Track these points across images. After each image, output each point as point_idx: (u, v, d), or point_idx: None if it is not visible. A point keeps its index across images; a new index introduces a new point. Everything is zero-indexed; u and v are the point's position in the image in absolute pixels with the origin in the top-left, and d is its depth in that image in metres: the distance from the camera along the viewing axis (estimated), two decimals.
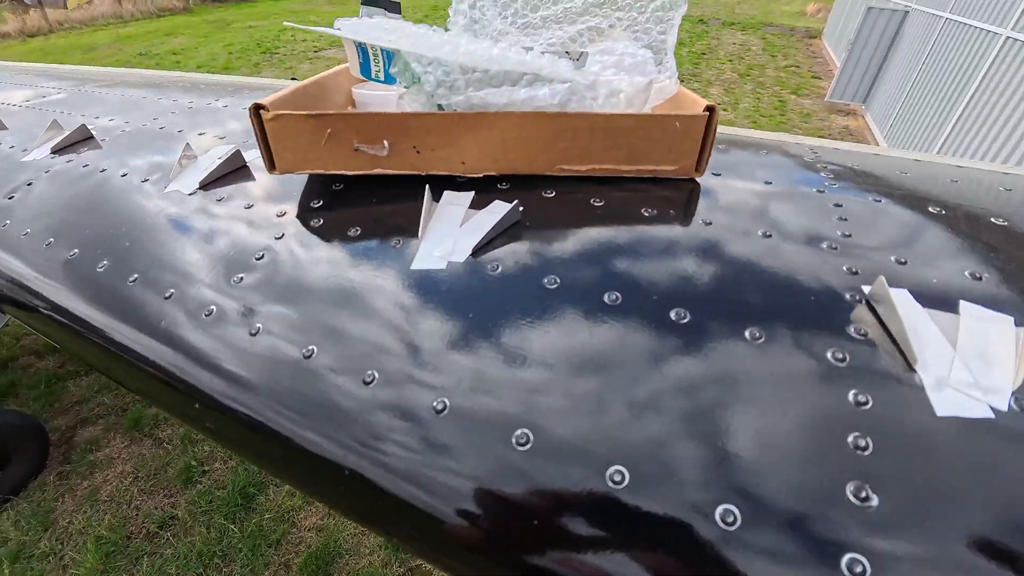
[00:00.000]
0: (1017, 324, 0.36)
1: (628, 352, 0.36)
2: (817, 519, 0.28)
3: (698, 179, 0.54)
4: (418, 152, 0.52)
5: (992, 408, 0.32)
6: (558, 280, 0.41)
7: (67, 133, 0.84)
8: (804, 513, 0.28)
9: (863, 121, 7.12)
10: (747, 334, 0.36)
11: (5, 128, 1.02)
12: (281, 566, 2.43)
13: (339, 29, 0.56)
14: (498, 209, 0.47)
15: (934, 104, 5.03)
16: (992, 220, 0.49)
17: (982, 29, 4.20)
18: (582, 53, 0.58)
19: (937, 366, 0.34)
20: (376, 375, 0.38)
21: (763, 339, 0.36)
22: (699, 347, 0.36)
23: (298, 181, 0.59)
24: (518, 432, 0.33)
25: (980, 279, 0.41)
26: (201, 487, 2.79)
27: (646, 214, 0.48)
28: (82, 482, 2.84)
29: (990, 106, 4.03)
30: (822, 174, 0.57)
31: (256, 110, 0.51)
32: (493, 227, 0.45)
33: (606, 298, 0.40)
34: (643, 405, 0.33)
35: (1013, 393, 0.33)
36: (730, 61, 9.67)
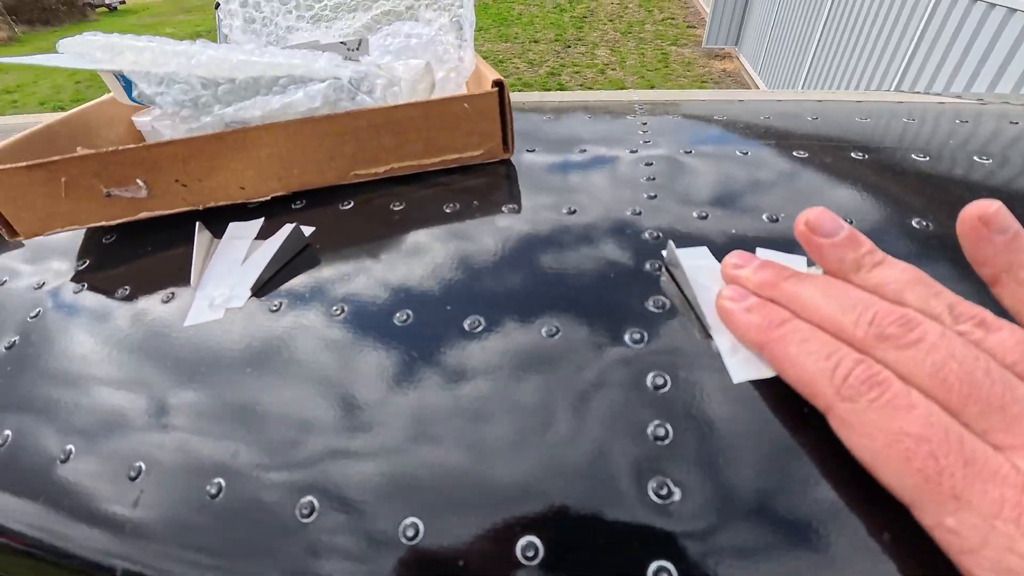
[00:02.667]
0: (809, 264, 0.36)
1: (429, 379, 0.32)
2: (621, 529, 0.26)
3: (511, 159, 0.51)
4: (184, 185, 0.44)
5: None
6: (344, 308, 0.37)
7: None
8: (608, 530, 0.26)
9: (738, 63, 7.59)
10: (543, 331, 0.33)
11: None
12: None
13: (57, 55, 0.46)
14: (281, 235, 0.41)
15: (794, 37, 5.42)
16: (794, 153, 0.49)
17: None
18: (360, 41, 0.52)
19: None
20: (142, 468, 0.31)
21: (559, 333, 0.33)
22: (499, 355, 0.33)
23: (65, 240, 0.50)
24: (302, 501, 0.29)
25: (777, 220, 0.41)
26: None
27: (448, 210, 0.44)
28: None
29: (839, 34, 4.39)
30: (638, 132, 0.56)
31: None
32: (274, 258, 0.39)
33: (396, 319, 0.35)
34: (440, 437, 0.29)
35: None
36: (611, 21, 9.90)
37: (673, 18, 10.20)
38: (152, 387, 0.35)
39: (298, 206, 0.47)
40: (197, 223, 0.43)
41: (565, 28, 9.42)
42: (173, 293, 0.41)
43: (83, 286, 0.44)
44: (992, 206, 0.24)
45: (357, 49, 0.52)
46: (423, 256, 0.40)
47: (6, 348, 0.41)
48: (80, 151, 0.43)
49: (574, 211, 0.43)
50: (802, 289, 0.29)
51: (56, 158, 0.42)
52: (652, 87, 6.89)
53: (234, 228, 0.45)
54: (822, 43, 4.68)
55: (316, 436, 0.31)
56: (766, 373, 0.30)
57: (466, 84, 0.56)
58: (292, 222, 0.45)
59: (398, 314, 0.35)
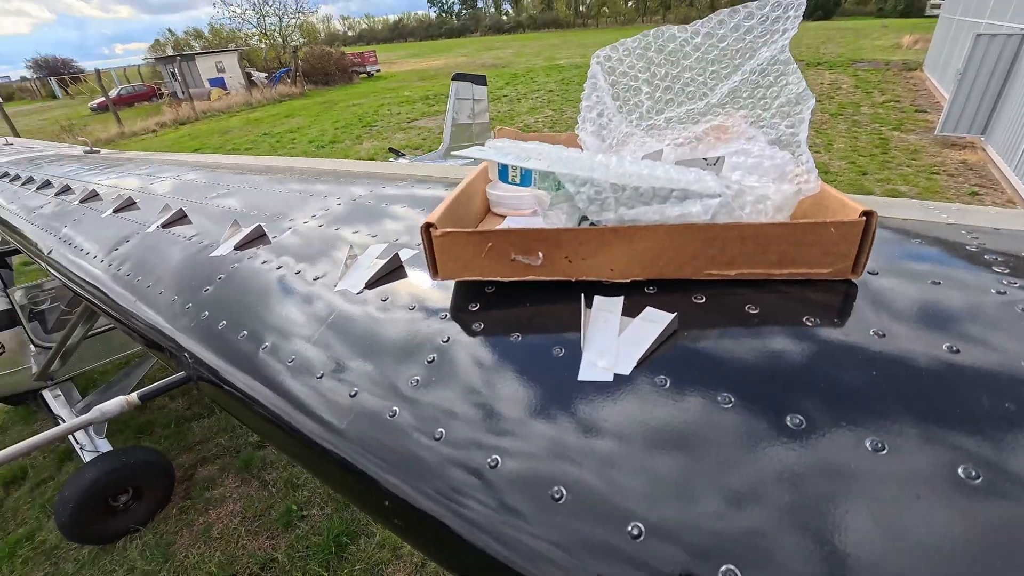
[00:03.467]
0: None
1: (824, 486, 0.35)
2: None
3: (854, 280, 0.53)
4: (569, 261, 0.56)
5: None
6: (732, 399, 0.42)
7: (246, 232, 1.00)
8: None
9: (984, 154, 6.44)
10: (960, 472, 0.34)
11: (191, 223, 1.23)
12: None
13: (490, 151, 0.63)
14: (657, 319, 0.49)
15: None
16: None
17: None
18: (719, 159, 0.60)
19: None
20: (564, 492, 0.39)
21: (980, 479, 0.33)
22: (909, 487, 0.34)
23: (450, 283, 0.66)
24: (723, 570, 0.33)
25: None
26: (299, 532, 2.94)
27: (809, 323, 0.48)
28: (198, 518, 3.11)
29: None
30: (995, 269, 0.53)
31: (427, 228, 0.58)
32: (656, 338, 0.47)
33: (789, 421, 0.39)
34: (851, 557, 0.32)
35: None
36: (819, 102, 9.28)
37: (898, 101, 9.17)
38: (562, 424, 0.44)
39: (650, 291, 0.55)
40: (583, 295, 0.53)
41: None
42: (561, 349, 0.51)
43: (481, 324, 0.57)
44: None
45: (715, 165, 0.60)
46: (801, 363, 0.43)
47: (428, 362, 0.55)
48: (507, 225, 0.57)
49: (956, 351, 0.43)
50: None
51: (491, 230, 0.56)
52: (864, 174, 6.20)
53: (600, 302, 0.54)
54: None
55: (722, 506, 0.35)
56: None
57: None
58: (649, 306, 0.53)
59: (789, 417, 0.39)
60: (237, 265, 0.91)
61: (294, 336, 0.68)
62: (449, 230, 0.58)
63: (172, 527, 2.95)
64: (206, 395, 0.80)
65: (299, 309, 0.73)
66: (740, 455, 0.38)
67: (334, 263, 0.81)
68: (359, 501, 0.54)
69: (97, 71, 19.03)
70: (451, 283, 0.66)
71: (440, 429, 0.48)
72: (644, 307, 0.52)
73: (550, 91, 13.86)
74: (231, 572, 2.66)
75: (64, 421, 3.04)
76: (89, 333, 2.89)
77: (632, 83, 0.72)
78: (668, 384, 0.44)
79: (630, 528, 0.36)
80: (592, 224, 0.55)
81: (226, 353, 0.74)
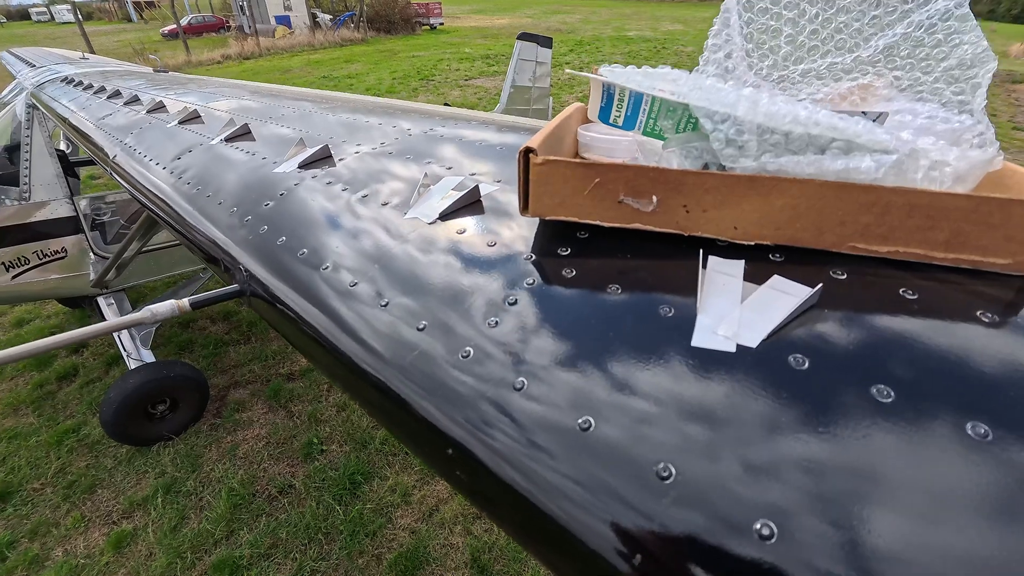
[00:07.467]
0: None
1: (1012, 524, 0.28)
2: None
3: None
4: (687, 212, 0.48)
5: None
6: (892, 393, 0.34)
7: (311, 151, 0.95)
8: None
9: None
10: None
11: (254, 140, 1.20)
12: (373, 557, 2.55)
13: (605, 76, 0.55)
14: (792, 290, 0.41)
15: None
16: None
17: None
18: (880, 114, 0.50)
19: None
20: (673, 472, 0.34)
21: None
22: None
23: (534, 224, 0.59)
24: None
25: None
26: (318, 464, 3.05)
27: (986, 320, 0.39)
28: (226, 436, 3.26)
29: None
30: None
31: (525, 153, 0.51)
32: (793, 311, 0.40)
33: (970, 430, 0.32)
34: None
35: None
36: None
37: (993, 114, 8.37)
38: (671, 391, 0.38)
39: (776, 258, 0.47)
40: (701, 251, 0.46)
41: None
42: (669, 308, 0.44)
43: (573, 272, 0.51)
44: None
45: (875, 122, 0.51)
46: (984, 365, 0.35)
47: (509, 304, 0.50)
48: (636, 161, 0.50)
49: None
50: None
51: (602, 163, 0.49)
52: None
53: (717, 263, 0.47)
54: None
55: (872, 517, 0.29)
56: None
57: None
58: (778, 275, 0.45)
59: (970, 425, 0.32)
60: (300, 183, 0.87)
61: (358, 260, 0.64)
62: (552, 158, 0.51)
63: (202, 441, 3.11)
64: (256, 310, 0.77)
65: (365, 233, 0.68)
66: (907, 460, 0.31)
67: (403, 191, 0.75)
68: (418, 447, 0.49)
69: None
70: (535, 224, 0.59)
71: (521, 379, 0.42)
72: (770, 276, 0.44)
73: (616, 63, 13.28)
74: (251, 490, 2.79)
75: None
76: (143, 249, 2.99)
77: (772, 23, 0.62)
78: (807, 365, 0.37)
79: (758, 526, 0.30)
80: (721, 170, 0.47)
81: (282, 270, 0.70)
